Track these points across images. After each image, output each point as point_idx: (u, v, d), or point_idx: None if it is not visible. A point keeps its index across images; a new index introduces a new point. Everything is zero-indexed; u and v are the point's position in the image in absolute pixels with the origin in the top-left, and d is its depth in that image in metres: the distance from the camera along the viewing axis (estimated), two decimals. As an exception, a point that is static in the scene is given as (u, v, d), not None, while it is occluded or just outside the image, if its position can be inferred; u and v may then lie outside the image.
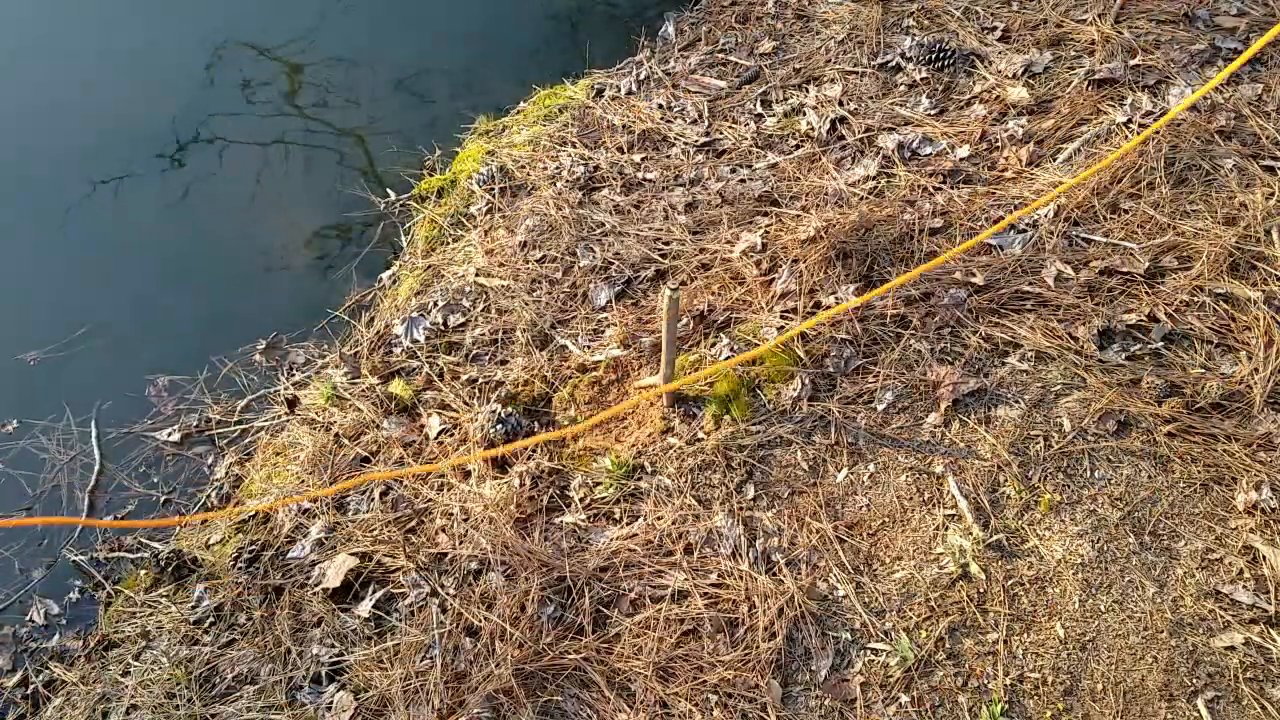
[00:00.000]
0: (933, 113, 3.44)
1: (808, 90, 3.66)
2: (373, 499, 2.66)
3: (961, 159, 3.22)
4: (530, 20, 4.60)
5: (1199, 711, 1.95)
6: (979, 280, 2.74)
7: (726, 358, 2.67)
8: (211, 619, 2.51)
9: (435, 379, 2.93)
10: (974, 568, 2.19)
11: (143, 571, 2.70)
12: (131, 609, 2.61)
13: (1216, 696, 1.96)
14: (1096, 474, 2.30)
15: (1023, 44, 3.61)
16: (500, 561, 2.36)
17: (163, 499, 2.93)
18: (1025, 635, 2.10)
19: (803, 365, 2.63)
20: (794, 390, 2.58)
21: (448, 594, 2.36)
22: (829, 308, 2.73)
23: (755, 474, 2.45)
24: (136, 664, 2.45)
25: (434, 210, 3.65)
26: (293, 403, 3.03)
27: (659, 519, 2.39)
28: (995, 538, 2.23)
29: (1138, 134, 3.04)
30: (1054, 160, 3.14)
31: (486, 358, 2.97)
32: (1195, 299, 2.61)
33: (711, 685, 2.09)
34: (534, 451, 2.63)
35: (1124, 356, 2.52)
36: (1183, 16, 3.54)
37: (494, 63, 4.34)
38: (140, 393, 3.17)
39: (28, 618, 2.67)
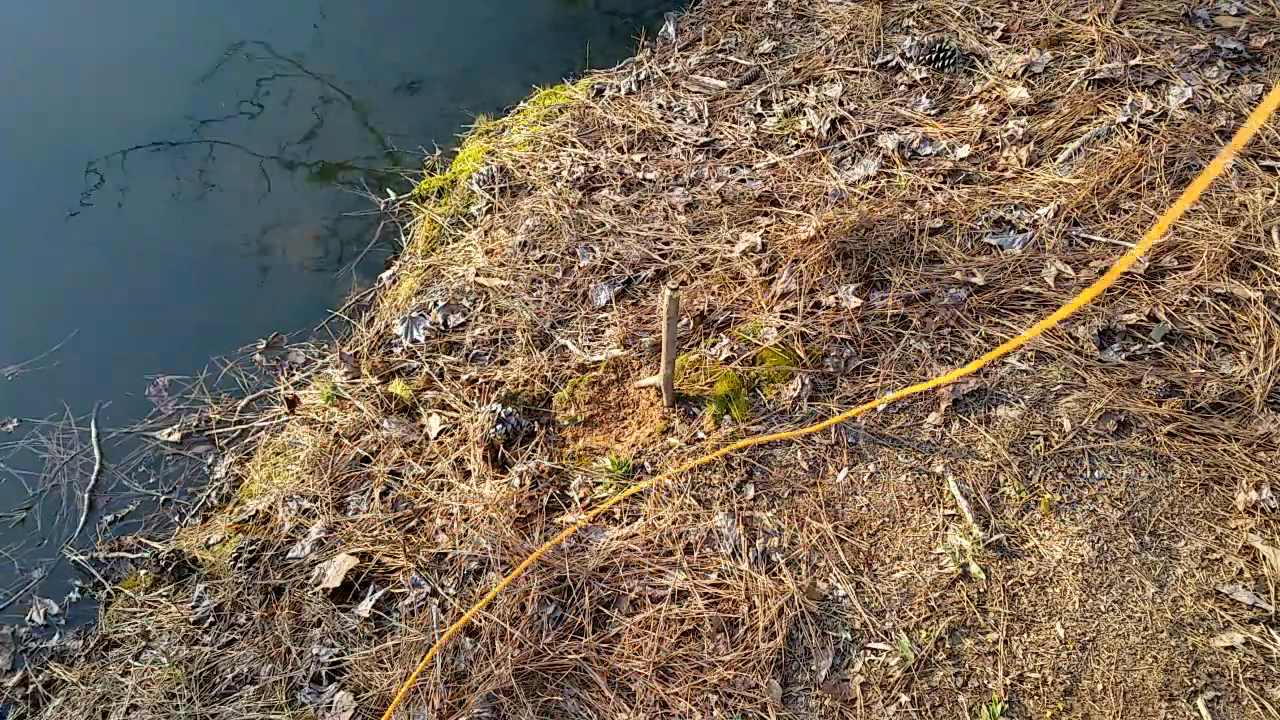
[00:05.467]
0: (933, 113, 3.44)
1: (808, 90, 3.66)
2: (373, 499, 2.66)
3: (961, 159, 3.22)
4: (530, 20, 4.60)
5: (1199, 711, 1.95)
6: (979, 280, 2.74)
7: (727, 359, 2.67)
8: (211, 619, 2.51)
9: (435, 379, 2.93)
10: (974, 568, 2.19)
11: (143, 571, 2.70)
12: (131, 609, 2.61)
13: (1216, 696, 1.96)
14: (1096, 474, 2.30)
15: (1023, 44, 3.61)
16: (500, 561, 2.36)
17: (163, 499, 2.93)
18: (1025, 635, 2.10)
19: (803, 365, 2.63)
20: (794, 390, 2.58)
21: (448, 594, 2.36)
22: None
23: (755, 474, 2.45)
24: (136, 664, 2.45)
25: (434, 210, 3.65)
26: (293, 403, 3.03)
27: (659, 519, 2.39)
28: (995, 538, 2.23)
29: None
30: (1054, 160, 3.14)
31: (486, 358, 2.97)
32: (1195, 299, 2.61)
33: (711, 685, 2.09)
34: (534, 451, 2.63)
35: (1124, 356, 2.52)
36: (1183, 16, 3.54)
37: (494, 63, 4.34)
38: (140, 393, 3.18)
39: (28, 618, 2.67)
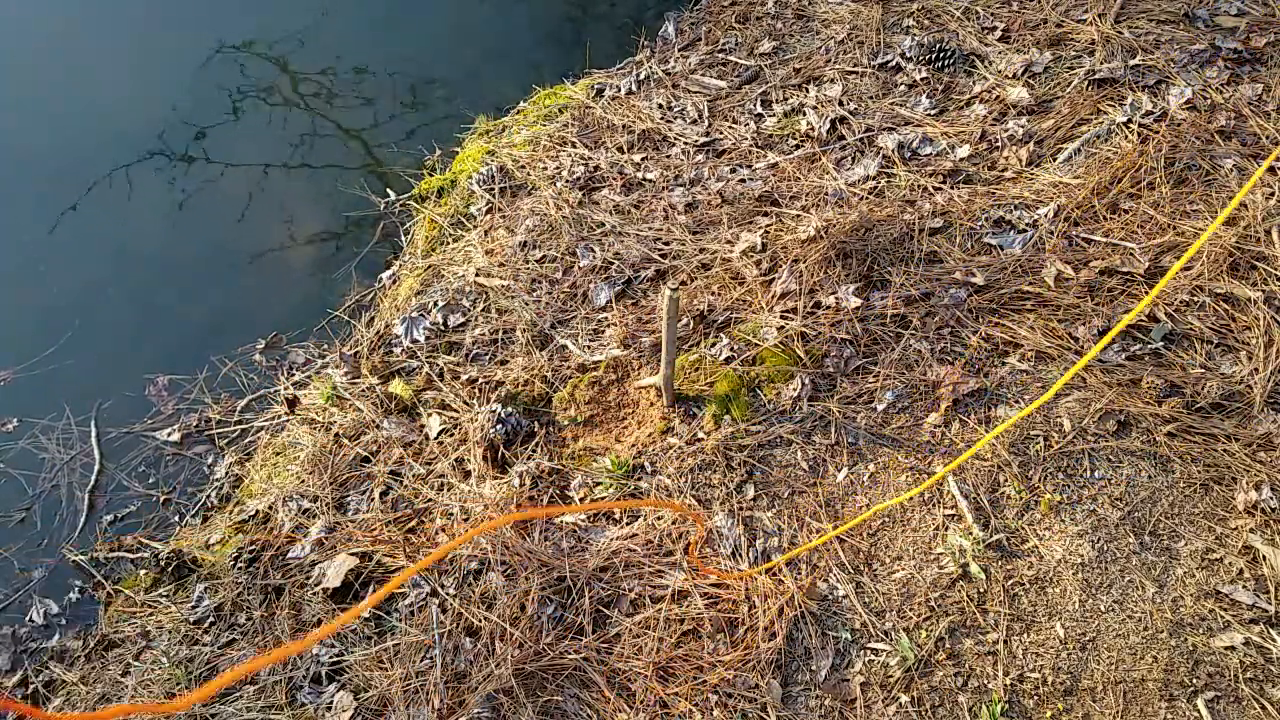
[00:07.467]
0: (933, 113, 3.44)
1: (808, 90, 3.66)
2: (373, 499, 2.66)
3: (961, 159, 3.22)
4: (530, 20, 4.60)
5: (1199, 711, 1.95)
6: (979, 280, 2.74)
7: (727, 359, 2.67)
8: (211, 619, 2.51)
9: (435, 379, 2.93)
10: (974, 568, 2.18)
11: (143, 571, 2.69)
12: (131, 609, 2.61)
13: (1216, 696, 1.96)
14: (1096, 474, 2.30)
15: (1023, 44, 3.61)
16: (500, 561, 2.36)
17: (163, 499, 2.93)
18: (1025, 635, 2.10)
19: (803, 365, 2.63)
20: (794, 390, 2.58)
21: (448, 594, 2.36)
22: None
23: (755, 474, 2.45)
24: (136, 664, 2.45)
25: (434, 210, 3.65)
26: (293, 402, 3.03)
27: (659, 519, 2.39)
28: (995, 538, 2.23)
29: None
30: (1054, 160, 3.14)
31: (486, 358, 2.97)
32: (1195, 299, 2.61)
33: (711, 685, 2.09)
34: (534, 451, 2.63)
35: (1124, 356, 2.52)
36: (1183, 16, 3.54)
37: (494, 63, 4.34)
38: (140, 392, 3.17)
39: (28, 618, 2.67)
